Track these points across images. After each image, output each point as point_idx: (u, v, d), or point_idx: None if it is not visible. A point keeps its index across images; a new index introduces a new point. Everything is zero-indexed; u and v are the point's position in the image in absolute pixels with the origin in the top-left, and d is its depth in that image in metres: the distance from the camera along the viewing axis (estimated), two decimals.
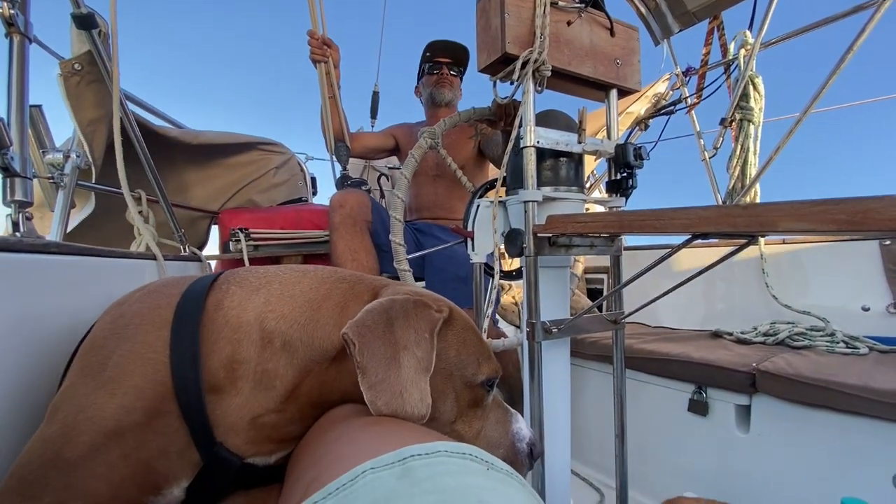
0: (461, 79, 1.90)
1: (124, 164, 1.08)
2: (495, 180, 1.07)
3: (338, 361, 0.54)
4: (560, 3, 0.98)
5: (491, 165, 1.85)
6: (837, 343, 1.34)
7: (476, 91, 1.86)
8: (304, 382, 0.54)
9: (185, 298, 0.55)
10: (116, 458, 0.48)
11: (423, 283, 1.52)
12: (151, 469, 0.50)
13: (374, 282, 0.61)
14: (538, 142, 0.94)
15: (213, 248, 1.96)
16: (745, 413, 1.20)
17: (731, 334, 1.56)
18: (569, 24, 0.98)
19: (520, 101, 0.95)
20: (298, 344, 0.53)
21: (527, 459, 0.61)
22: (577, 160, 1.04)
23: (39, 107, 1.12)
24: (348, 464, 0.34)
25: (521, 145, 0.94)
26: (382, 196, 2.68)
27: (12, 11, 0.82)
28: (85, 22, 1.05)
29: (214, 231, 1.98)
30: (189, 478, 0.53)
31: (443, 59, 1.83)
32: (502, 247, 1.04)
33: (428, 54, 1.84)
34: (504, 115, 1.21)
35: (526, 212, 0.93)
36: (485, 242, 1.08)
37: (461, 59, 1.86)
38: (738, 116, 1.78)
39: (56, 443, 0.47)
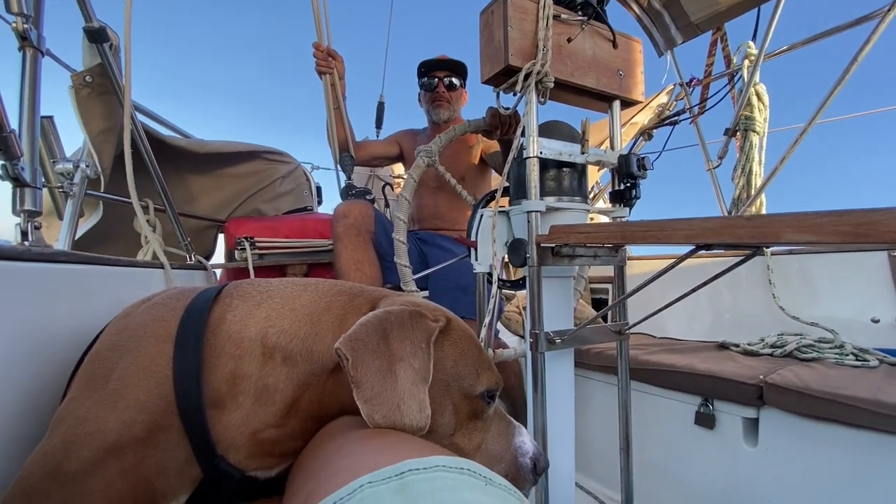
0: (464, 85, 1.87)
1: (133, 174, 1.10)
2: (497, 191, 1.08)
3: (336, 374, 0.54)
4: (563, 16, 0.98)
5: (494, 173, 1.85)
6: (847, 355, 1.32)
7: (476, 101, 1.83)
8: (303, 396, 0.54)
9: (188, 312, 0.55)
10: (115, 474, 0.48)
11: (426, 293, 1.52)
12: (150, 485, 0.50)
13: (374, 293, 0.61)
14: (541, 152, 0.94)
15: (220, 257, 1.98)
16: (752, 426, 1.18)
17: (737, 346, 1.54)
18: (569, 40, 0.99)
19: (518, 112, 0.95)
20: (298, 358, 0.53)
21: (530, 474, 0.59)
22: (580, 170, 1.04)
23: (51, 118, 1.15)
24: (346, 477, 0.34)
25: (525, 156, 0.94)
26: (387, 205, 2.69)
27: (26, 26, 0.84)
28: (96, 36, 1.08)
29: (221, 240, 2.00)
30: (188, 492, 0.53)
31: (438, 73, 1.80)
32: (505, 256, 1.04)
33: (423, 70, 1.83)
34: (500, 124, 1.21)
35: (529, 222, 0.93)
36: (488, 252, 1.08)
37: (457, 69, 1.83)
38: (742, 126, 1.78)
39: (57, 456, 0.47)
